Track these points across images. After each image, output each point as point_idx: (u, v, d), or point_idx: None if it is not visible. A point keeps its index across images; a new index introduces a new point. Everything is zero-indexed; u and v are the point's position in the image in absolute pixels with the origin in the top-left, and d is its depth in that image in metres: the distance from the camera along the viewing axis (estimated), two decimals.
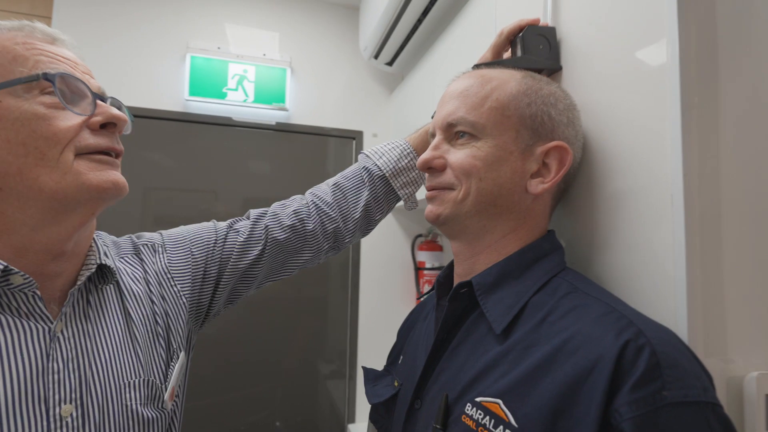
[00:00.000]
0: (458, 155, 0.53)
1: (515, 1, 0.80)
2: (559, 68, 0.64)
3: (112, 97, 0.53)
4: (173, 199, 1.61)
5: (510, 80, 0.54)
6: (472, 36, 1.08)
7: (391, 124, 1.83)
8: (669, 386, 0.35)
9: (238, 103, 1.64)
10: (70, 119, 0.46)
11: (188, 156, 1.62)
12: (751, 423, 0.44)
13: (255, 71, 1.67)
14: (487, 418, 0.42)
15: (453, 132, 0.54)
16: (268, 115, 1.70)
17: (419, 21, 1.40)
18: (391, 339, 0.74)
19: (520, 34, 0.62)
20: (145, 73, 1.58)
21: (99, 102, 0.49)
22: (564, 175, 0.52)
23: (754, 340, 0.48)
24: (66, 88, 0.47)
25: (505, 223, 0.53)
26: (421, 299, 0.72)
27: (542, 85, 0.54)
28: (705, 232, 0.46)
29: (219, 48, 1.64)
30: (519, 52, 0.62)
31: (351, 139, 1.81)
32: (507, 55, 0.67)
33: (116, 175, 0.49)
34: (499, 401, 0.42)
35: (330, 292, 1.77)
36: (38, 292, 0.46)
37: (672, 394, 0.35)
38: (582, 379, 0.38)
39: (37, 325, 0.46)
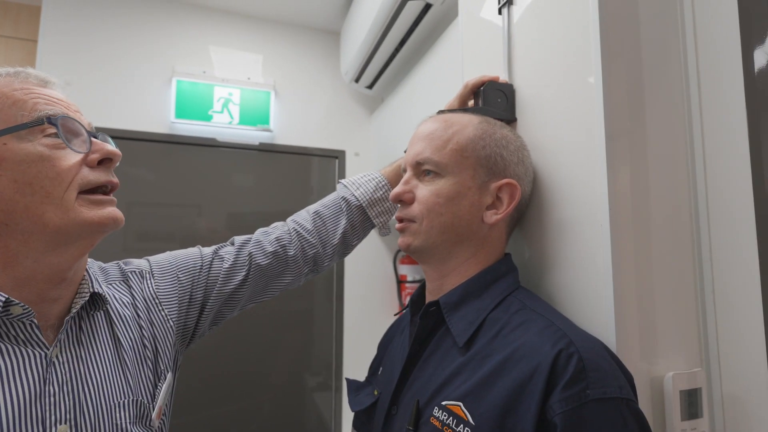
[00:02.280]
0: (424, 191, 0.61)
1: (477, 49, 0.90)
2: (514, 120, 0.73)
3: (101, 133, 0.56)
4: (156, 214, 1.63)
5: (468, 125, 0.63)
6: (443, 68, 1.18)
7: (372, 143, 1.91)
8: (592, 386, 0.44)
9: (224, 125, 1.70)
10: (70, 158, 0.49)
11: (173, 174, 1.66)
12: (670, 414, 0.53)
13: (240, 94, 1.74)
14: (451, 418, 0.49)
15: (421, 169, 0.63)
16: (252, 135, 1.76)
17: (396, 50, 1.50)
18: (375, 350, 0.81)
19: (482, 88, 0.71)
20: (132, 96, 1.62)
21: (93, 139, 0.53)
22: (516, 207, 0.61)
23: (674, 345, 0.57)
24: (64, 128, 0.50)
25: (466, 249, 0.61)
26: (397, 316, 0.80)
27: (496, 129, 0.63)
28: (634, 255, 0.56)
29: (204, 72, 1.70)
30: (480, 103, 0.71)
31: (334, 158, 1.89)
32: (471, 103, 0.76)
33: (115, 212, 0.53)
34: (461, 404, 0.49)
35: (315, 305, 1.82)
36: (36, 321, 0.48)
37: (594, 392, 0.44)
38: (525, 383, 0.46)
39: (35, 351, 0.48)
